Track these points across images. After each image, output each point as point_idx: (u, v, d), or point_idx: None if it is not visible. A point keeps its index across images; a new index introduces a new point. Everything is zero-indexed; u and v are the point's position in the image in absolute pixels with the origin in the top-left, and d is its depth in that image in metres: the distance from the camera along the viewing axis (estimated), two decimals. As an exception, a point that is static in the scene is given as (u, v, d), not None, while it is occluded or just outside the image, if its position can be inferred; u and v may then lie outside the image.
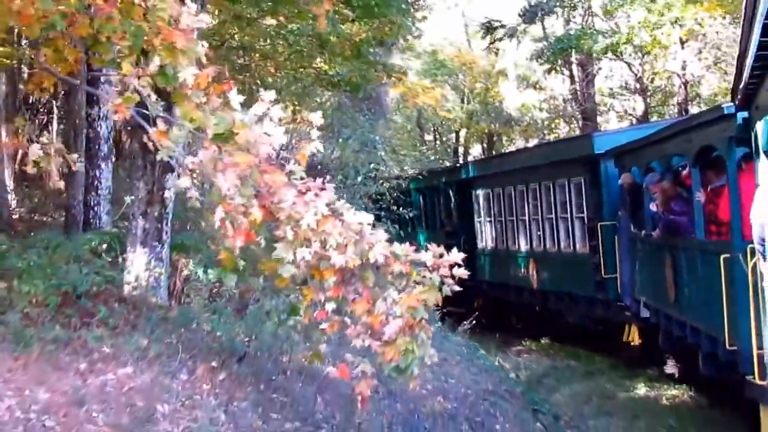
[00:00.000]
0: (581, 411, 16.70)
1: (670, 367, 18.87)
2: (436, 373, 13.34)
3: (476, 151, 53.16)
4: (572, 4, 35.75)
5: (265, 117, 6.83)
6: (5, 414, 7.68)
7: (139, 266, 11.15)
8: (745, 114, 11.10)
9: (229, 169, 6.68)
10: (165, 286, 11.35)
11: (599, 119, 42.10)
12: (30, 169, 8.92)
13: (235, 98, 6.86)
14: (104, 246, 11.64)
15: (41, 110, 20.13)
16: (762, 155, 9.32)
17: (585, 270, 20.54)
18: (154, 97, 7.26)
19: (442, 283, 6.76)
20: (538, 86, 42.90)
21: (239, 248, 6.94)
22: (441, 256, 6.81)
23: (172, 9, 6.96)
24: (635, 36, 33.54)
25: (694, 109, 35.52)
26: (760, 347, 10.69)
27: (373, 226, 6.77)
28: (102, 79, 11.55)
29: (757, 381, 10.72)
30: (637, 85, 39.40)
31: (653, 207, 15.16)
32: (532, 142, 44.05)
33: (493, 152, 47.34)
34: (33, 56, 8.80)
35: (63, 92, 17.09)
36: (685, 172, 14.69)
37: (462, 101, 48.59)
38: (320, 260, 6.77)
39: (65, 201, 16.33)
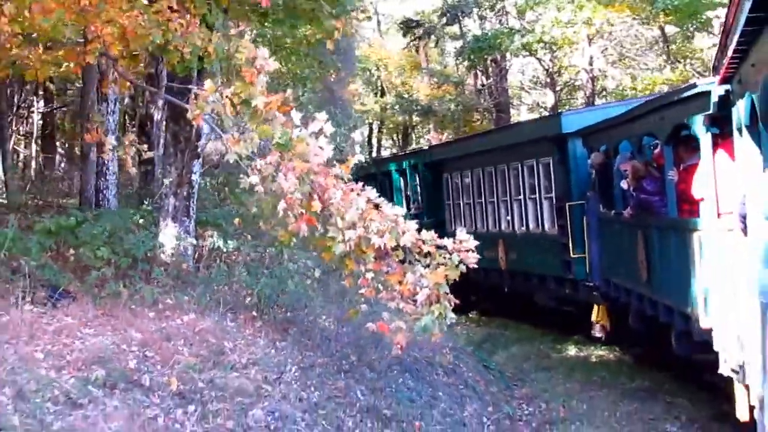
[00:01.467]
0: (521, 368, 18.95)
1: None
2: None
3: (389, 142, 55.34)
4: (491, 5, 37.96)
5: (320, 133, 9.04)
6: (113, 347, 9.73)
7: (170, 237, 13.20)
8: (722, 91, 10.75)
9: (290, 173, 8.85)
10: (192, 253, 13.43)
11: (512, 111, 44.62)
12: (107, 157, 11.02)
13: (296, 116, 9.07)
14: (142, 221, 13.64)
15: (21, 106, 21.81)
16: (744, 131, 9.30)
17: (553, 250, 20.51)
18: (228, 111, 9.42)
19: (461, 262, 9.13)
20: (460, 82, 45.04)
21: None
22: (461, 242, 9.19)
23: (251, 52, 9.19)
24: (547, 34, 36.04)
25: (599, 101, 38.24)
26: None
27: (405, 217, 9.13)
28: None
29: (738, 357, 10.24)
30: (547, 80, 41.99)
31: (624, 185, 15.01)
32: (447, 135, 46.04)
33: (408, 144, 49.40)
34: (108, 65, 10.80)
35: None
36: (657, 151, 14.53)
37: (376, 95, 50.43)
38: (362, 240, 9.04)
39: (56, 187, 18.16)
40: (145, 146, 11.60)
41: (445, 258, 9.31)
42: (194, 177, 13.41)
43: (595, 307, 19.27)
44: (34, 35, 10.24)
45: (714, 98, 10.99)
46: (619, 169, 15.53)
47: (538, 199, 21.68)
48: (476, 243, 9.25)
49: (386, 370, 12.40)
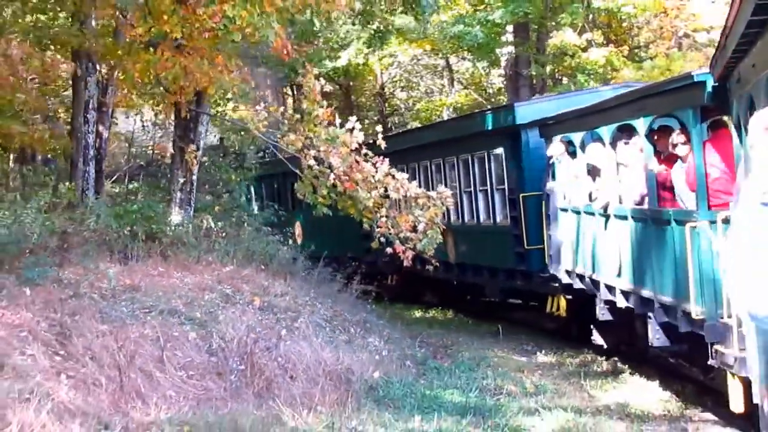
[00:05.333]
0: (384, 323, 24.54)
1: (598, 339, 18.32)
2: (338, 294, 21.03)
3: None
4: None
5: (353, 130, 14.93)
6: (203, 283, 14.94)
7: (177, 220, 18.31)
8: (716, 83, 10.57)
9: (336, 155, 14.65)
10: (192, 230, 18.55)
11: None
12: (167, 161, 16.25)
13: (336, 120, 14.88)
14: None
15: None
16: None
17: (505, 242, 20.44)
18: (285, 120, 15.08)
19: (442, 204, 15.18)
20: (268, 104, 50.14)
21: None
22: (442, 192, 15.28)
23: (313, 81, 14.87)
24: (352, 64, 41.87)
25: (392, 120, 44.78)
26: (729, 316, 10.30)
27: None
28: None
29: (733, 350, 10.13)
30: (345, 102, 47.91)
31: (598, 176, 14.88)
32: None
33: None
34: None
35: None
36: (631, 141, 13.84)
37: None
38: (380, 198, 14.97)
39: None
40: (199, 152, 17.04)
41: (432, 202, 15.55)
42: (194, 177, 18.60)
43: (550, 298, 19.57)
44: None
45: (708, 89, 10.81)
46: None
47: (489, 190, 21.66)
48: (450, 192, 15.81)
49: (351, 304, 18.03)
